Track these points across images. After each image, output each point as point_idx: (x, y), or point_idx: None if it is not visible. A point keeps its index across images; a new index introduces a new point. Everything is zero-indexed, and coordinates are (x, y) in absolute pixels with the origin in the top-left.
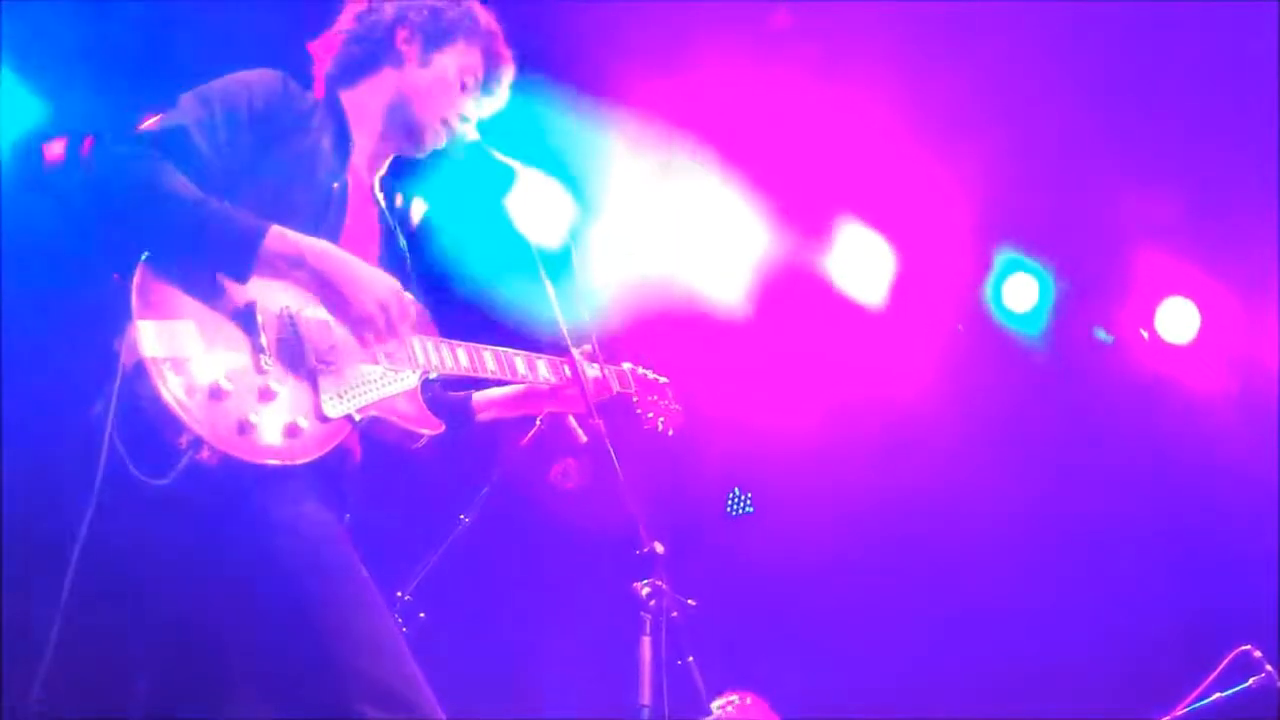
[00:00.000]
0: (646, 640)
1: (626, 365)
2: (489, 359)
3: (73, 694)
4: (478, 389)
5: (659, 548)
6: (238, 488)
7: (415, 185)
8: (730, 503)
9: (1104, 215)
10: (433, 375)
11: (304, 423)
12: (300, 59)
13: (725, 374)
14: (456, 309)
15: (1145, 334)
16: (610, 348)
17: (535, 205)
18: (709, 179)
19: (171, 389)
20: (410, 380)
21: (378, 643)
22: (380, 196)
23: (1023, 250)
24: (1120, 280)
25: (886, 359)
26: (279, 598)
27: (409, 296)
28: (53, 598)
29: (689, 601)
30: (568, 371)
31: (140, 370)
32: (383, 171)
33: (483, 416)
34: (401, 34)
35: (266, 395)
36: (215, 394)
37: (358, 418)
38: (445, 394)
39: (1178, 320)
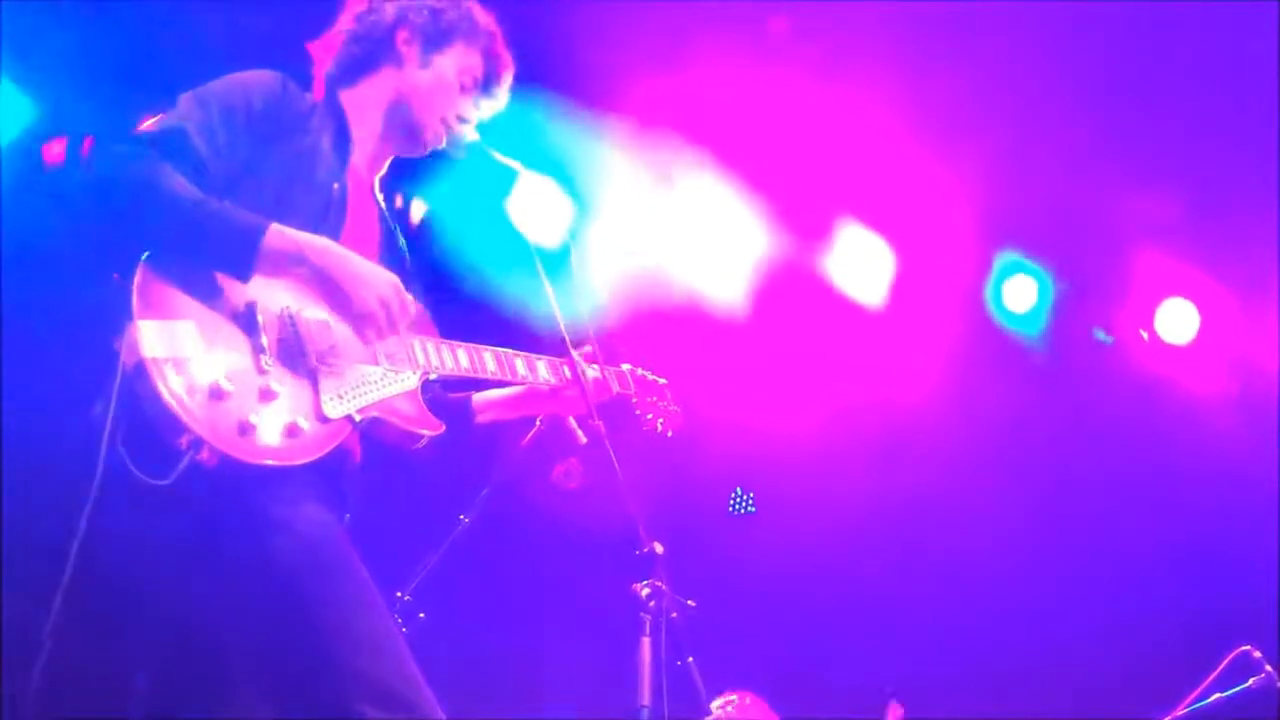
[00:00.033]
0: (646, 641)
1: (626, 366)
2: (489, 360)
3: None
4: (478, 390)
5: (658, 548)
6: (238, 488)
7: (415, 186)
8: (733, 502)
9: (1104, 216)
10: (433, 376)
11: (304, 423)
12: (300, 60)
13: (724, 375)
14: (456, 309)
15: (1145, 335)
16: (609, 349)
17: (535, 206)
18: (708, 179)
19: (172, 389)
20: (410, 381)
21: (378, 642)
22: (380, 197)
23: (1022, 251)
24: (1120, 281)
25: (886, 360)
26: (279, 597)
27: (409, 295)
28: (53, 598)
29: (688, 602)
30: (567, 373)
31: (141, 370)
32: (382, 172)
33: (483, 418)
34: (401, 35)
35: (267, 395)
36: (216, 394)
37: (358, 418)
38: (445, 395)
39: (1177, 321)
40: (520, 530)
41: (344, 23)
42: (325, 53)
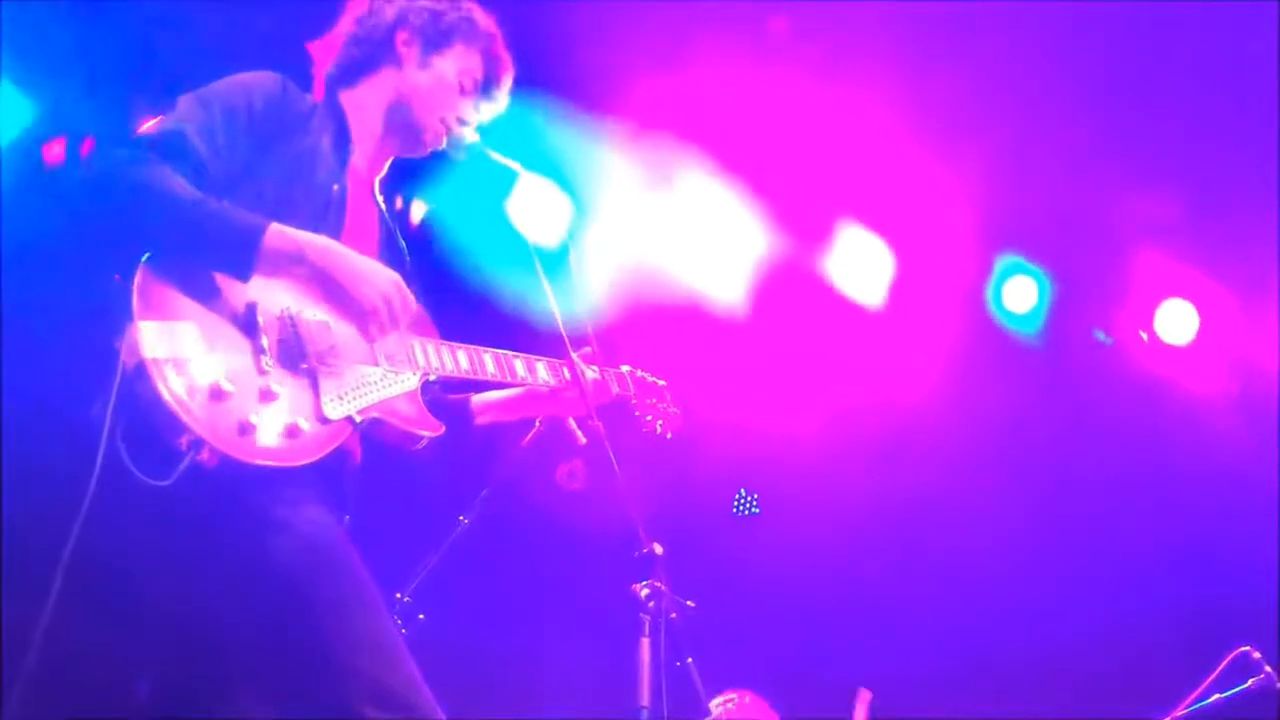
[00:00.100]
0: (645, 641)
1: (625, 368)
2: (489, 361)
3: (72, 695)
4: (477, 391)
5: (658, 549)
6: (238, 488)
7: (415, 187)
8: (736, 503)
9: (1103, 216)
10: (432, 377)
11: (304, 424)
12: (300, 60)
13: (724, 375)
14: (456, 310)
15: (1144, 335)
16: (609, 350)
17: (534, 207)
18: (708, 180)
19: (173, 390)
20: (410, 382)
21: (377, 643)
22: (380, 198)
23: (1022, 251)
24: (1120, 282)
25: (886, 361)
26: (279, 598)
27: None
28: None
29: (688, 603)
30: (567, 374)
31: (141, 371)
32: (383, 173)
33: (482, 419)
34: (401, 36)
35: (267, 396)
36: (216, 395)
37: (358, 419)
38: (445, 396)
39: (1177, 322)
40: (520, 531)
41: (344, 24)
42: (325, 54)
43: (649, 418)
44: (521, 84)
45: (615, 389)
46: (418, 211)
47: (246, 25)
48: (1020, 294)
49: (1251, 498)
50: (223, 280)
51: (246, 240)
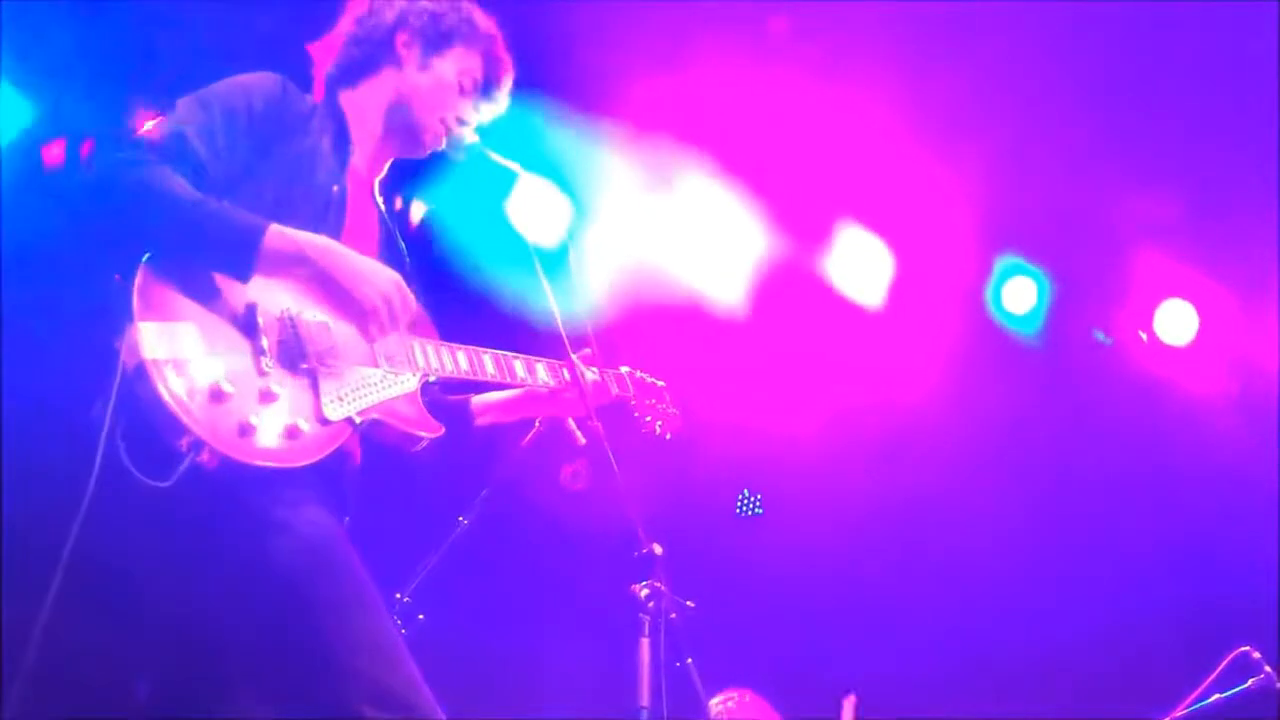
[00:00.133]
0: (645, 642)
1: (625, 369)
2: (488, 362)
3: (72, 695)
4: (477, 392)
5: (657, 549)
6: (238, 489)
7: (415, 187)
8: (740, 504)
9: (1103, 217)
10: (432, 378)
11: (304, 425)
12: (300, 61)
13: (724, 376)
14: (456, 311)
15: (1144, 336)
16: (608, 350)
17: (534, 207)
18: (708, 180)
19: (173, 391)
20: (410, 383)
21: (377, 643)
22: (380, 199)
23: (1021, 252)
24: (1119, 282)
25: (885, 361)
26: (278, 598)
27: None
28: (54, 601)
29: (687, 603)
30: (566, 375)
31: (141, 372)
32: (382, 174)
33: (482, 420)
34: (401, 37)
35: (267, 397)
36: (216, 396)
37: (358, 420)
38: (444, 397)
39: (1176, 322)
40: (520, 531)
41: (344, 25)
42: (325, 54)
43: (648, 418)
44: (521, 84)
45: (615, 390)
46: (417, 212)
47: (246, 25)
48: (1020, 294)
49: (1251, 498)
50: (223, 281)
51: (246, 240)
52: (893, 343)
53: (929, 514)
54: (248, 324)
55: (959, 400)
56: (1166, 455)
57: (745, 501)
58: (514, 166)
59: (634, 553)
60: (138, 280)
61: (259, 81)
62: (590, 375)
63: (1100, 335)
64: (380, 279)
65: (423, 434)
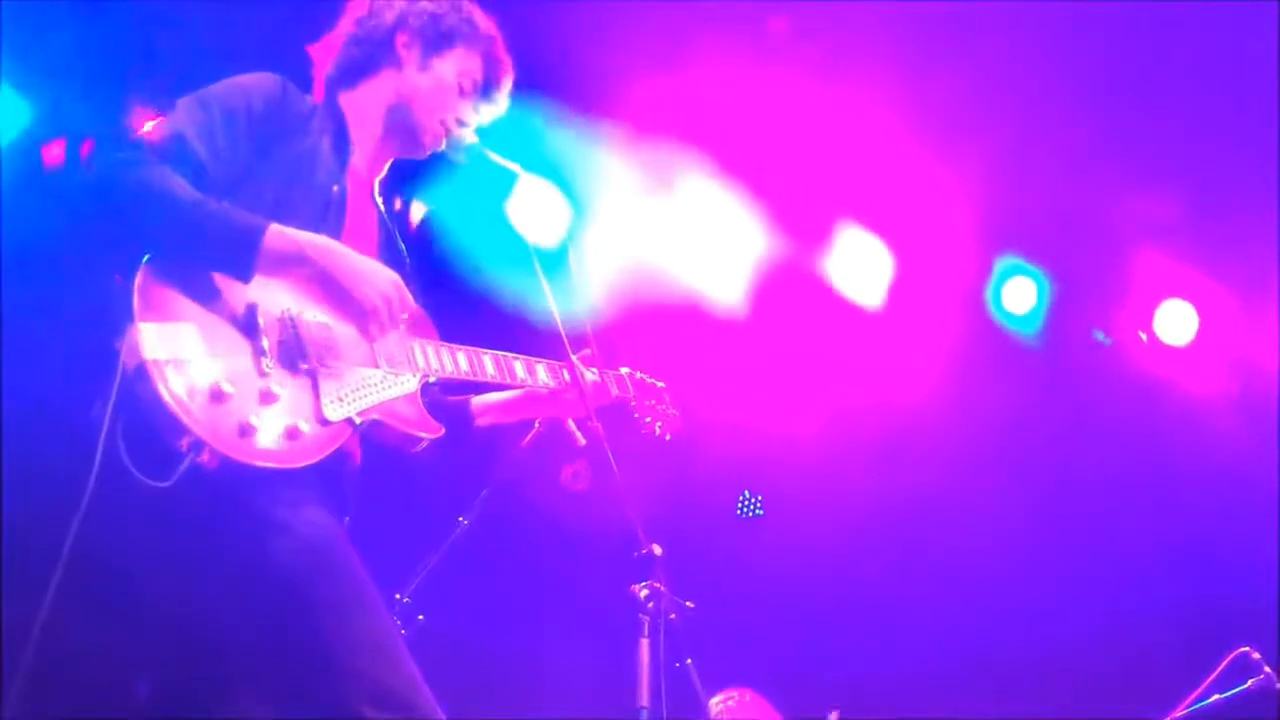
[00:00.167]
0: (645, 642)
1: (624, 370)
2: (488, 363)
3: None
4: (477, 393)
5: (657, 550)
6: (238, 490)
7: (415, 188)
8: (740, 505)
9: (1103, 217)
10: (432, 379)
11: (305, 425)
12: (300, 61)
13: (723, 376)
14: (456, 312)
15: (1144, 336)
16: (608, 351)
17: (534, 208)
18: (707, 180)
19: (173, 391)
20: (410, 384)
21: (377, 643)
22: (380, 199)
23: (1021, 252)
24: (1119, 282)
25: (885, 361)
26: (278, 599)
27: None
28: (55, 601)
29: (687, 603)
30: (566, 376)
31: (142, 372)
32: (382, 174)
33: (482, 421)
34: (401, 38)
35: (267, 398)
36: (216, 396)
37: (358, 421)
38: (444, 398)
39: (1176, 322)
40: (519, 532)
41: (344, 25)
42: (325, 55)
43: (648, 419)
44: (521, 85)
45: (614, 391)
46: (417, 213)
47: (246, 26)
48: (1020, 295)
49: (1251, 498)
50: (223, 281)
51: (247, 240)
52: (893, 343)
53: (929, 514)
54: (248, 324)
55: (959, 400)
56: (1166, 455)
57: (746, 503)
58: (514, 167)
59: (634, 553)
60: (138, 280)
61: (259, 82)
62: (590, 376)
63: (1100, 335)
64: (380, 279)
65: (423, 434)
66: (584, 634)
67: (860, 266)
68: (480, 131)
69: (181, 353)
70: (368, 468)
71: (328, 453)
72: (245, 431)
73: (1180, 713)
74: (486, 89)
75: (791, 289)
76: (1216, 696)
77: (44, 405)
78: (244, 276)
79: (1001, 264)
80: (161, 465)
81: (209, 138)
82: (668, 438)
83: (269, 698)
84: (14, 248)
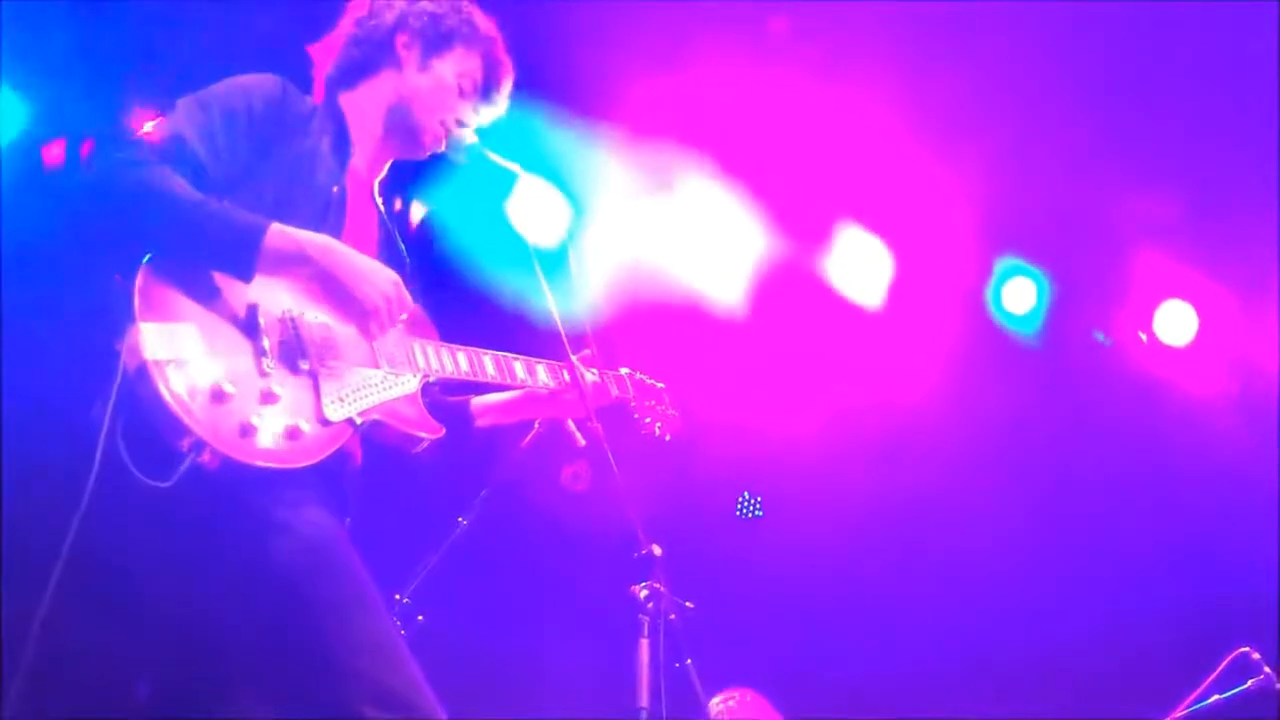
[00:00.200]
0: (644, 643)
1: (624, 370)
2: (489, 364)
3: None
4: (477, 394)
5: (657, 550)
6: (239, 490)
7: (414, 188)
8: (740, 506)
9: (1103, 217)
10: (432, 379)
11: (305, 426)
12: (300, 62)
13: (723, 377)
14: (456, 312)
15: (1144, 337)
16: (608, 351)
17: (534, 208)
18: (707, 180)
19: (174, 391)
20: (411, 384)
21: (378, 644)
22: (379, 200)
23: (1021, 252)
24: (1119, 283)
25: (885, 362)
26: (279, 599)
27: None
28: (54, 601)
29: (686, 604)
30: (566, 376)
31: (143, 372)
32: (382, 175)
33: (482, 422)
34: (401, 38)
35: (268, 398)
36: (217, 396)
37: (359, 421)
38: (444, 398)
39: (1176, 323)
40: (519, 532)
41: (344, 25)
42: (325, 55)
43: (647, 420)
44: (521, 86)
45: (614, 391)
46: (417, 213)
47: (246, 26)
48: (1019, 295)
49: (1251, 498)
50: (224, 281)
51: (248, 240)
52: (893, 343)
53: (929, 514)
54: (249, 325)
55: (959, 400)
56: (1166, 455)
57: (745, 504)
58: (514, 168)
59: (633, 554)
60: (139, 281)
61: (259, 83)
62: (590, 377)
63: (1100, 336)
64: (380, 278)
65: (423, 435)
66: (584, 634)
67: (860, 266)
68: (480, 132)
69: (182, 353)
70: (368, 468)
71: (328, 453)
72: (246, 432)
73: (1180, 713)
74: (486, 90)
75: (791, 289)
76: (1216, 697)
77: (45, 405)
78: (245, 276)
79: (1001, 264)
80: (162, 465)
81: (209, 138)
82: (667, 438)
83: (269, 698)
84: (14, 248)
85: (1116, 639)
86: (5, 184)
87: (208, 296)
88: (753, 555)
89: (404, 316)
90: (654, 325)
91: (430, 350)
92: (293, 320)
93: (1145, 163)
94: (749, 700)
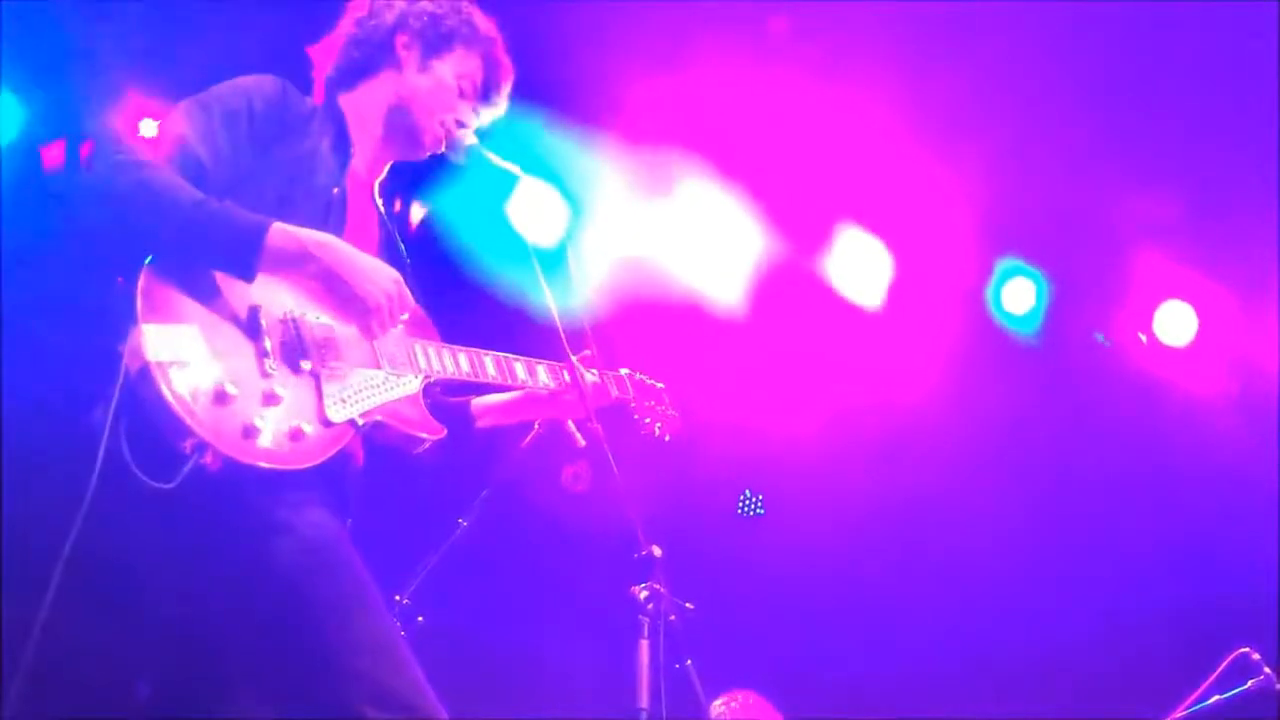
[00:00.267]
0: (644, 644)
1: (624, 371)
2: (489, 364)
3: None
4: (477, 394)
5: (657, 551)
6: (241, 491)
7: (414, 189)
8: (741, 504)
9: (1103, 217)
10: (434, 380)
11: (308, 427)
12: (300, 63)
13: (723, 377)
14: (457, 313)
15: (1143, 337)
16: (607, 352)
17: (534, 209)
18: (707, 181)
19: (176, 392)
20: (412, 385)
21: (379, 644)
22: (379, 201)
23: (1020, 253)
24: (1119, 283)
25: (884, 362)
26: (281, 599)
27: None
28: (55, 601)
29: (686, 605)
30: (567, 377)
31: (145, 374)
32: (382, 176)
33: (482, 422)
34: (401, 39)
35: (271, 399)
36: (220, 398)
37: (361, 422)
38: (445, 399)
39: (1175, 324)
40: (519, 533)
41: (344, 26)
42: (325, 56)
43: (647, 420)
44: (520, 86)
45: (614, 392)
46: (417, 214)
47: (247, 27)
48: (1019, 295)
49: (1251, 498)
50: (225, 282)
51: (250, 239)
52: (893, 343)
53: (929, 514)
54: (251, 325)
55: (959, 400)
56: (1166, 455)
57: (747, 502)
58: (513, 169)
59: (633, 554)
60: (141, 282)
61: (259, 84)
62: (590, 377)
63: (1100, 337)
64: (382, 276)
65: (425, 436)
66: (584, 634)
67: (860, 267)
68: (480, 133)
69: (185, 354)
70: (369, 469)
71: (331, 454)
72: (249, 433)
73: (1180, 713)
74: (486, 91)
75: (791, 289)
76: (1216, 697)
77: (46, 407)
78: (247, 275)
79: (1001, 265)
80: (165, 467)
81: (210, 139)
82: (667, 439)
83: (270, 698)
84: (15, 249)
85: (1116, 639)
86: (5, 185)
87: (209, 298)
88: (753, 556)
89: (405, 316)
90: (654, 326)
91: (431, 351)
92: (294, 321)
93: (1145, 163)
94: (750, 702)
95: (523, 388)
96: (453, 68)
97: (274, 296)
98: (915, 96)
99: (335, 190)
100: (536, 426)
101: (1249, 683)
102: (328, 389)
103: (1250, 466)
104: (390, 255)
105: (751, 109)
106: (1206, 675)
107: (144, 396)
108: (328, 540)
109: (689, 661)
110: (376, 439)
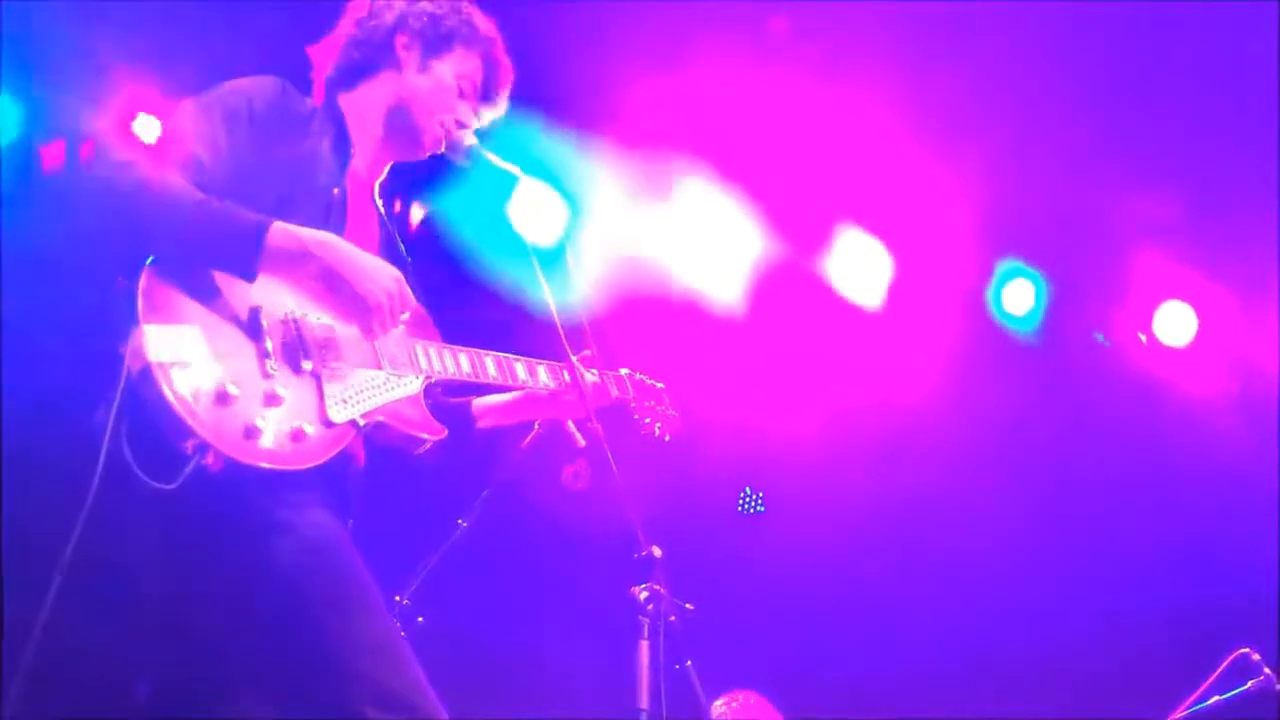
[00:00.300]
0: (644, 644)
1: (624, 371)
2: (490, 364)
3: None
4: (478, 395)
5: (657, 552)
6: (242, 491)
7: (414, 190)
8: (742, 501)
9: (1103, 217)
10: (434, 380)
11: (309, 427)
12: (300, 63)
13: (723, 377)
14: (457, 314)
15: (1143, 338)
16: (608, 353)
17: (534, 210)
18: (707, 181)
19: (178, 393)
20: (413, 385)
21: (380, 645)
22: (379, 201)
23: (1020, 253)
24: (1119, 283)
25: (884, 362)
26: (281, 600)
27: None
28: (56, 602)
29: (686, 605)
30: (567, 377)
31: (146, 375)
32: (382, 177)
33: (483, 423)
34: (401, 39)
35: (272, 400)
36: (221, 399)
37: (362, 422)
38: (446, 399)
39: (1175, 324)
40: (519, 533)
41: (344, 27)
42: (325, 57)
43: (647, 420)
44: (520, 87)
45: (614, 392)
46: (417, 214)
47: (247, 28)
48: (1018, 295)
49: (1251, 498)
50: (227, 283)
51: (251, 238)
52: (893, 343)
53: (929, 514)
54: (252, 326)
55: (959, 401)
56: (1166, 455)
57: (747, 499)
58: (513, 169)
59: (633, 555)
60: (142, 283)
61: (259, 84)
62: (590, 377)
63: (1100, 337)
64: (382, 275)
65: (426, 436)
66: (584, 635)
67: (860, 267)
68: (480, 133)
69: (186, 355)
70: (371, 469)
71: (332, 454)
72: (250, 433)
73: (1180, 713)
74: (486, 91)
75: (791, 289)
76: (1216, 698)
77: (47, 408)
78: (248, 275)
79: (1001, 265)
80: (167, 467)
81: (210, 140)
82: (667, 439)
83: (270, 698)
84: (16, 250)
85: (1116, 639)
86: (5, 185)
87: (211, 298)
88: (753, 556)
89: (406, 315)
90: (653, 325)
91: (432, 351)
92: (295, 321)
93: (1145, 163)
94: (751, 702)
95: (523, 388)
96: (452, 68)
97: (275, 297)
98: (915, 97)
99: (335, 191)
100: (537, 426)
101: (1249, 683)
102: (329, 389)
103: (1250, 466)
104: (391, 255)
105: (751, 109)
106: (1206, 675)
107: (145, 397)
108: (329, 541)
109: (689, 662)
110: (378, 439)
